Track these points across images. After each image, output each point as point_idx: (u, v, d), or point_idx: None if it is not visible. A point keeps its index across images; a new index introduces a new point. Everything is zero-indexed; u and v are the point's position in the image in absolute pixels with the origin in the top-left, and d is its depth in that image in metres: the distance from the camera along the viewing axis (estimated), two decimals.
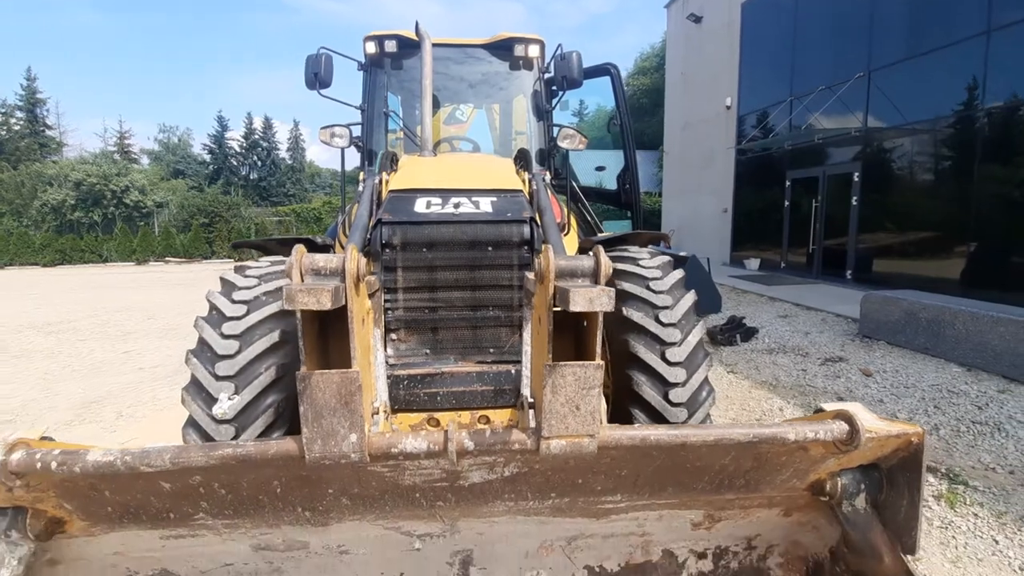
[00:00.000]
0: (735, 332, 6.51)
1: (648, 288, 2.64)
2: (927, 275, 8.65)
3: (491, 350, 2.63)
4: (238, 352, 2.32)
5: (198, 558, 1.75)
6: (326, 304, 1.07)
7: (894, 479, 1.55)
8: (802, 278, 11.34)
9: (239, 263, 2.78)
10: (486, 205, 2.66)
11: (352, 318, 1.21)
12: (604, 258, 1.18)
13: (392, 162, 3.34)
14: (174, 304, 11.02)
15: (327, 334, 1.37)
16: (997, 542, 2.62)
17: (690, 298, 2.68)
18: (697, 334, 2.55)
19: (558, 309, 1.28)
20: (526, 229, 2.57)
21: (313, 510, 1.54)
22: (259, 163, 53.18)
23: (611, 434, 1.30)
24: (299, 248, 1.23)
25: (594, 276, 1.16)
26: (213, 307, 2.48)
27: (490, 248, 2.56)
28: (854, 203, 10.04)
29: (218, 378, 2.28)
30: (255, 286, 2.55)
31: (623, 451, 1.39)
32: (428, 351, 2.62)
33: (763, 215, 13.23)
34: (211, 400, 2.27)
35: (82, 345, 7.39)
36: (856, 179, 10.02)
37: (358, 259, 1.25)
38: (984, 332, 4.92)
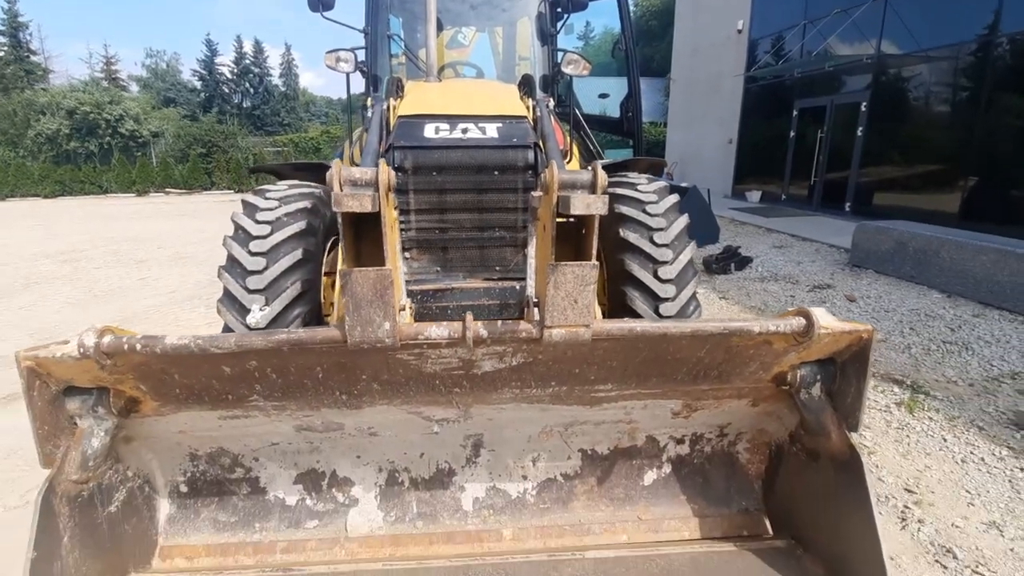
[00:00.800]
0: (730, 261, 6.73)
1: (644, 211, 2.82)
2: (926, 208, 8.74)
3: (497, 268, 2.85)
4: (266, 268, 2.54)
5: (249, 437, 2.05)
6: (367, 207, 1.27)
7: (845, 371, 1.81)
8: (801, 210, 11.41)
9: (258, 188, 2.94)
10: (492, 131, 2.79)
11: (385, 222, 1.41)
12: (601, 172, 1.36)
13: (398, 88, 3.41)
14: (181, 234, 11.20)
15: (359, 241, 1.57)
16: (945, 440, 2.96)
17: (683, 221, 2.86)
18: (688, 254, 2.76)
19: (561, 220, 1.48)
20: (530, 154, 2.72)
21: (349, 394, 1.81)
22: (251, 90, 51.38)
23: (603, 326, 1.53)
24: (337, 162, 1.41)
25: (592, 187, 1.35)
26: (239, 227, 2.68)
27: (496, 172, 2.72)
28: (859, 134, 9.95)
29: (249, 291, 2.51)
30: (277, 207, 2.73)
31: (613, 342, 1.63)
32: (439, 269, 2.84)
33: (768, 146, 13.08)
34: (244, 311, 2.52)
35: (98, 273, 7.64)
36: (863, 109, 9.87)
37: (388, 171, 1.43)
38: (966, 260, 5.13)
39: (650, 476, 2.28)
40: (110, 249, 9.48)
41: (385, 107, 3.15)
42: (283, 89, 52.95)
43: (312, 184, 3.04)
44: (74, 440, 1.65)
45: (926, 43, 8.88)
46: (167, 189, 21.09)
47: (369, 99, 3.37)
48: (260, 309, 2.52)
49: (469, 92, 3.49)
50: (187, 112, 41.74)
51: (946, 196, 8.65)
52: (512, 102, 3.15)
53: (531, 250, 1.92)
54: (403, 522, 2.16)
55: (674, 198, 2.95)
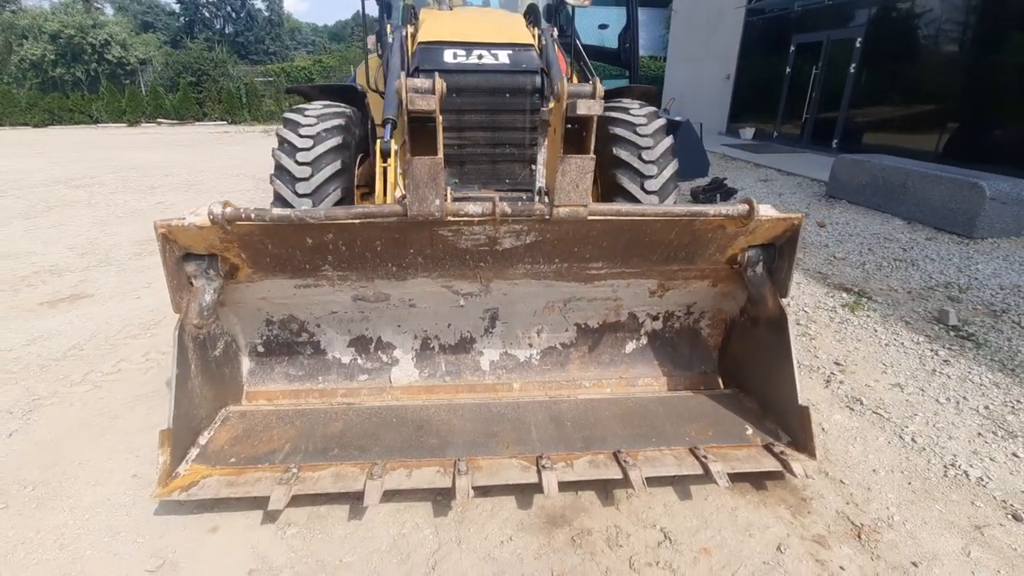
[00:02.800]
0: (715, 192, 7.18)
1: (635, 132, 3.25)
2: (908, 146, 9.10)
3: (507, 180, 3.31)
4: (312, 176, 2.99)
5: (314, 306, 2.58)
6: (433, 106, 1.73)
7: (781, 251, 2.34)
8: (791, 147, 11.73)
9: (295, 107, 3.32)
10: (503, 57, 3.18)
11: (437, 122, 1.87)
12: (599, 83, 1.81)
13: (412, 15, 3.74)
14: (183, 163, 11.38)
15: (414, 140, 2.01)
16: (876, 331, 3.57)
17: (667, 141, 3.30)
18: (670, 170, 3.22)
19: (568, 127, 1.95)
20: (537, 79, 3.12)
21: (398, 266, 2.32)
22: (233, 15, 48.96)
23: (597, 207, 2.03)
24: (402, 75, 1.85)
25: (592, 94, 1.80)
26: (284, 140, 3.09)
27: (507, 95, 3.13)
28: (851, 71, 10.14)
29: (299, 196, 2.97)
30: (316, 123, 3.14)
31: (604, 224, 2.12)
32: (456, 180, 3.30)
33: (765, 83, 13.17)
34: None
35: (115, 197, 7.97)
36: (858, 46, 10.01)
37: (441, 82, 1.86)
38: (927, 190, 5.63)
39: (631, 346, 2.86)
40: (119, 176, 9.72)
41: (404, 34, 3.50)
42: (267, 14, 50.46)
43: (340, 104, 3.42)
44: (192, 295, 2.17)
45: None
46: (159, 119, 20.78)
47: (388, 25, 3.69)
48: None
49: (481, 21, 3.81)
50: (167, 38, 39.99)
51: (928, 135, 9.01)
52: (520, 30, 3.49)
53: (541, 154, 2.38)
54: (434, 377, 2.75)
55: (661, 121, 3.37)
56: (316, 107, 3.31)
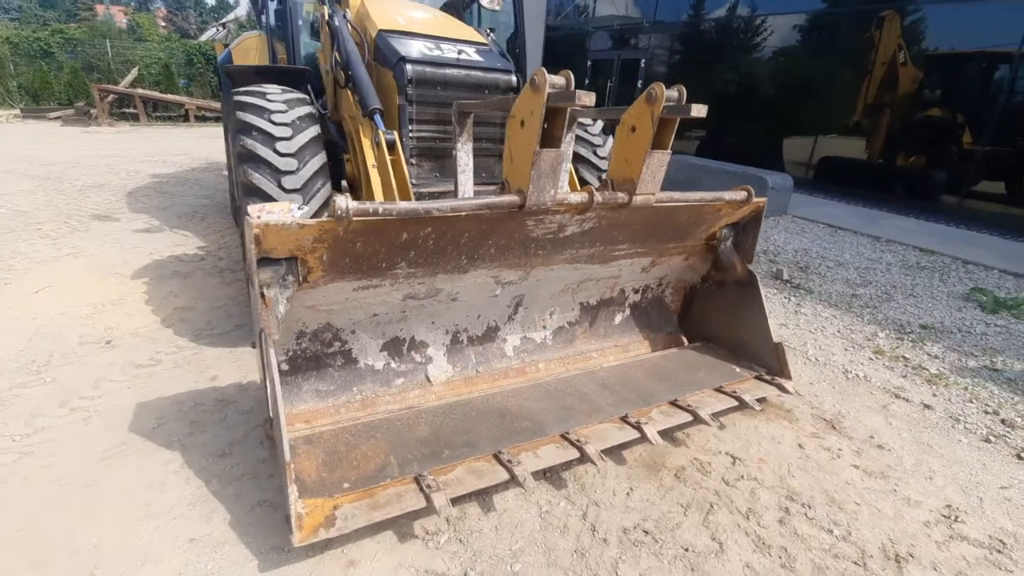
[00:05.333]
0: None
1: (587, 131, 3.67)
2: (687, 151, 11.52)
3: (483, 175, 3.41)
4: (299, 169, 2.67)
5: (357, 310, 2.37)
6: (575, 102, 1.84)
7: (746, 228, 3.02)
8: None
9: (250, 90, 2.86)
10: (475, 54, 3.27)
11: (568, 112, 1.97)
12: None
13: None
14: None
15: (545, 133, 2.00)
16: None
17: (611, 140, 3.79)
18: None
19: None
20: (513, 78, 3.29)
21: (470, 258, 2.31)
22: None
23: (660, 195, 2.37)
24: (542, 70, 1.87)
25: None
26: (253, 127, 2.68)
27: (486, 91, 3.23)
28: (639, 86, 12.30)
29: (286, 191, 2.63)
30: (287, 110, 2.79)
31: (650, 210, 2.48)
32: (438, 175, 3.27)
33: None
34: None
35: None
36: (643, 64, 12.19)
37: (567, 75, 1.92)
38: (726, 182, 7.37)
39: (619, 317, 3.29)
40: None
41: (344, 16, 3.28)
42: None
43: (291, 89, 3.05)
44: (265, 307, 1.86)
45: (683, 15, 11.39)
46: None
47: (324, 6, 3.37)
48: (299, 208, 2.66)
49: (429, 16, 3.74)
50: None
51: (686, 140, 11.52)
52: (470, 30, 3.59)
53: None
54: (467, 369, 2.76)
55: (601, 123, 3.85)
56: (276, 90, 2.92)
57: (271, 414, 1.84)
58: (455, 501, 1.94)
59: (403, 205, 1.81)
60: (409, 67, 2.96)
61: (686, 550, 1.92)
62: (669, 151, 2.23)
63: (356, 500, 1.81)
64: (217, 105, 12.93)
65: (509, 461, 2.02)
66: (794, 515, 2.12)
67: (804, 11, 10.20)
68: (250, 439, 2.33)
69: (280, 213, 1.76)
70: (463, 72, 3.12)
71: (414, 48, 3.05)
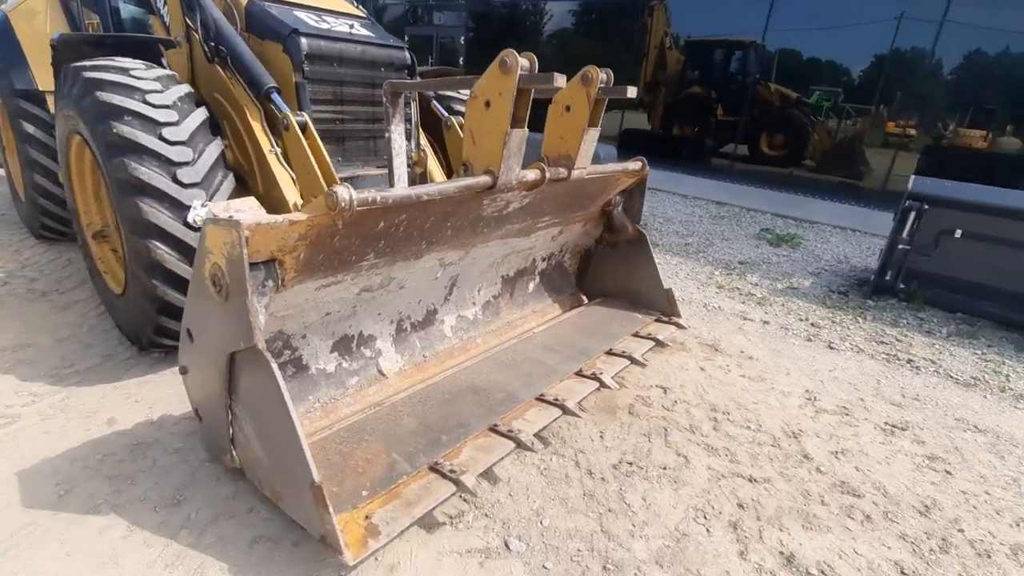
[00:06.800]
0: None
1: None
2: None
3: (384, 157, 3.25)
4: (196, 159, 2.30)
5: (310, 312, 2.18)
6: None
7: (632, 193, 3.47)
8: None
9: (105, 64, 2.29)
10: (363, 29, 3.09)
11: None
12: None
13: None
14: None
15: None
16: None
17: None
18: None
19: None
20: (407, 56, 3.19)
21: (428, 241, 2.27)
22: None
23: (589, 168, 2.61)
24: (513, 52, 1.90)
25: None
26: (125, 110, 2.21)
27: (382, 68, 3.10)
28: (460, 63, 12.42)
29: (184, 185, 2.25)
30: (163, 89, 2.34)
31: (576, 183, 2.72)
32: (340, 159, 3.05)
33: None
34: (181, 207, 2.24)
35: None
36: (462, 41, 12.33)
37: (530, 58, 2.00)
38: None
39: (531, 285, 3.51)
40: None
41: None
42: None
43: (153, 65, 2.54)
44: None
45: None
46: None
47: None
48: (202, 205, 2.29)
49: None
50: None
51: None
52: (346, 3, 3.34)
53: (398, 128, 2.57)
54: (415, 356, 2.72)
55: None
56: (138, 65, 2.40)
57: (229, 444, 1.66)
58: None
59: (396, 192, 1.74)
60: (303, 40, 2.67)
61: (664, 469, 2.27)
62: (599, 128, 2.47)
63: (385, 504, 1.75)
64: None
65: (509, 431, 2.12)
66: (721, 422, 2.63)
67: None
68: (201, 478, 2.02)
69: (251, 211, 1.55)
70: (359, 47, 2.93)
71: (303, 20, 2.75)
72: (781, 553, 1.89)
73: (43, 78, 3.46)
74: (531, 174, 2.27)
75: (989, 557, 1.95)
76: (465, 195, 2.06)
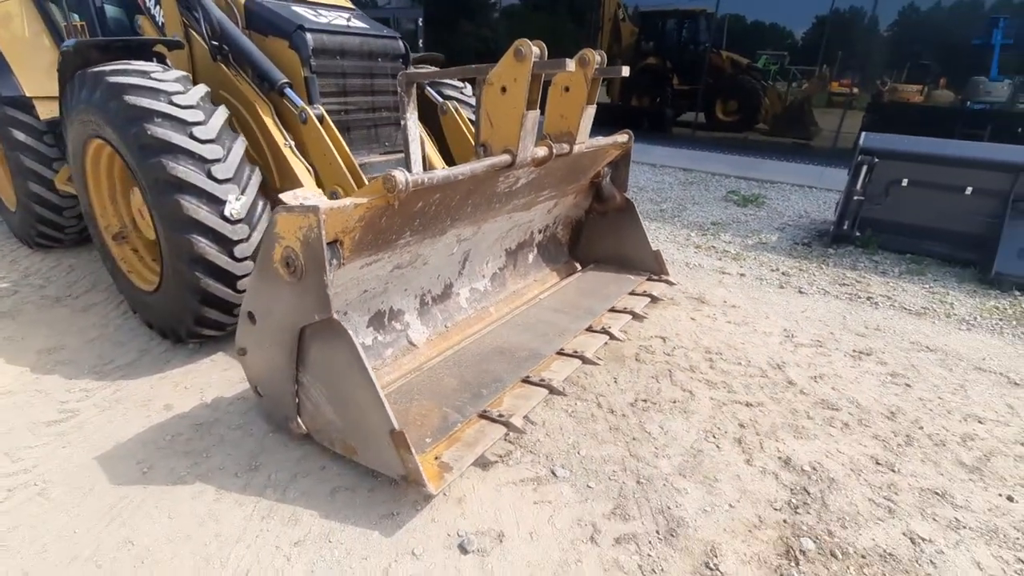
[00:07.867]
0: None
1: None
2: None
3: (386, 143, 3.44)
4: (227, 156, 2.43)
5: (351, 290, 2.37)
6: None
7: (618, 164, 3.74)
8: None
9: (122, 68, 2.38)
10: (359, 21, 3.23)
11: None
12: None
13: None
14: None
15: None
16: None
17: None
18: None
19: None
20: (401, 45, 3.34)
21: (452, 218, 2.50)
22: None
23: (580, 144, 2.86)
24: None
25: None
26: (154, 112, 2.32)
27: (380, 59, 3.25)
28: (420, 45, 12.37)
29: (219, 181, 2.39)
30: (185, 89, 2.46)
31: (576, 157, 2.96)
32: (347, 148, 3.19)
33: None
34: (219, 202, 2.38)
35: None
36: (419, 24, 12.25)
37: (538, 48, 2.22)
38: None
39: (531, 256, 3.77)
40: None
41: None
42: None
43: (168, 67, 2.63)
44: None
45: None
46: None
47: None
48: (236, 199, 2.44)
49: None
50: None
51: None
52: None
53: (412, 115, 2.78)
54: (438, 327, 2.96)
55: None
56: (155, 67, 2.49)
57: (295, 412, 1.88)
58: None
59: (440, 173, 1.96)
60: (309, 36, 2.80)
61: (674, 402, 2.59)
62: (595, 105, 2.72)
63: (449, 447, 2.01)
64: None
65: (540, 380, 2.40)
66: (716, 361, 2.98)
67: None
68: (269, 446, 2.23)
69: (315, 198, 1.75)
70: (358, 39, 3.06)
71: (305, 16, 2.87)
72: (779, 458, 2.25)
73: (29, 84, 3.44)
74: (541, 151, 2.51)
75: (944, 445, 2.37)
76: (488, 173, 2.28)
